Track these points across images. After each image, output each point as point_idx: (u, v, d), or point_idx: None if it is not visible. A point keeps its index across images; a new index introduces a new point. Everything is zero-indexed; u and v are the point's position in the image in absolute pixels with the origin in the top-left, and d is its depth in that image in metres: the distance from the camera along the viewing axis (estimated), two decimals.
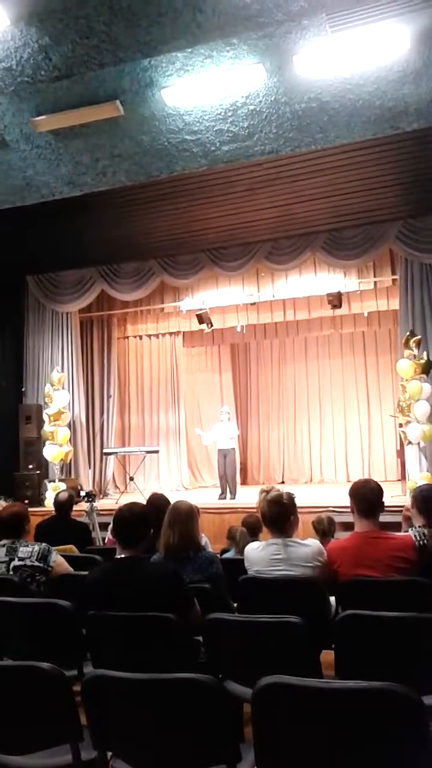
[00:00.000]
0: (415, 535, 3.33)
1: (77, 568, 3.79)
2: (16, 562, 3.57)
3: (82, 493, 7.68)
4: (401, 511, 4.66)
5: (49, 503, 9.20)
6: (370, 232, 9.19)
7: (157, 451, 11.32)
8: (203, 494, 10.69)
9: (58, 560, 3.69)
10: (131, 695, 1.99)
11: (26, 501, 9.25)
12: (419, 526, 3.47)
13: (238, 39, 5.11)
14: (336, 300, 9.78)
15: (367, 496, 3.27)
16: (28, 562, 3.56)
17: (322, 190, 8.78)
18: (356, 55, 5.31)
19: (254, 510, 5.24)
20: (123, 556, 2.93)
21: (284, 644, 2.53)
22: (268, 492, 3.74)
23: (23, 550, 3.60)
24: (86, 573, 3.22)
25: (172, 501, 3.63)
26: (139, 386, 12.59)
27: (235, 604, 3.32)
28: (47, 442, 10.04)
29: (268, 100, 5.85)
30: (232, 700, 2.55)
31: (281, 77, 5.58)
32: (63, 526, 5.40)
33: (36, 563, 3.57)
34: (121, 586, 2.81)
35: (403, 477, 9.65)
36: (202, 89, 5.68)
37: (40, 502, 9.78)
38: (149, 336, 12.42)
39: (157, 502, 4.38)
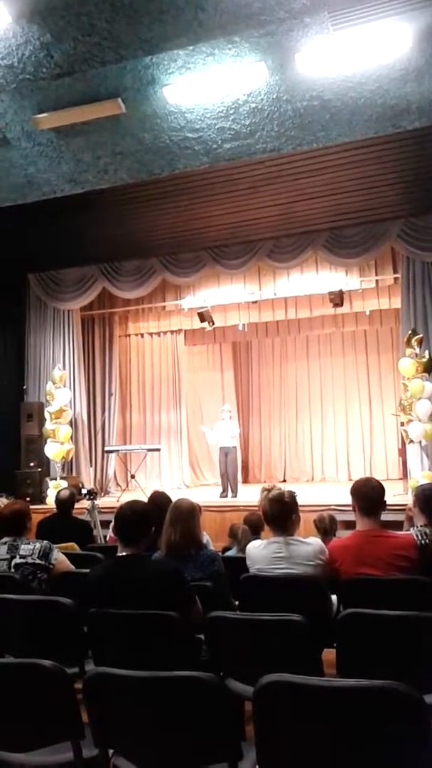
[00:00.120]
0: (416, 534, 3.33)
1: (79, 566, 3.79)
2: (17, 560, 3.57)
3: (84, 491, 7.69)
4: (403, 509, 4.67)
5: (50, 501, 9.22)
6: (371, 230, 9.18)
7: (158, 449, 11.34)
8: (205, 492, 10.68)
9: (59, 558, 3.69)
10: (133, 693, 2.00)
11: (28, 499, 9.27)
12: (421, 525, 3.47)
13: (240, 37, 5.10)
14: (337, 298, 9.77)
15: (368, 495, 3.27)
16: (29, 560, 3.57)
17: (324, 189, 8.77)
18: (358, 53, 5.30)
19: (256, 508, 5.24)
20: (124, 553, 2.93)
21: (286, 642, 2.53)
22: (269, 490, 3.73)
23: (25, 548, 3.61)
24: (88, 571, 3.23)
25: (174, 499, 3.64)
26: (140, 384, 12.59)
27: (237, 602, 3.32)
28: (49, 440, 10.05)
29: (270, 98, 5.84)
30: (233, 698, 2.55)
31: (283, 75, 5.57)
32: (64, 524, 5.41)
33: (37, 561, 3.58)
34: (122, 583, 2.81)
35: (404, 476, 9.66)
36: (204, 87, 5.67)
37: (41, 499, 9.79)
38: (151, 334, 12.41)
39: (159, 500, 4.38)
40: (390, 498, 3.65)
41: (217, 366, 13.45)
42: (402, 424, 8.92)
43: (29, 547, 3.62)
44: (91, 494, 7.55)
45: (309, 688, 1.77)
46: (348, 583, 3.08)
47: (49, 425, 10.09)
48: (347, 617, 2.58)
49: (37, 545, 3.64)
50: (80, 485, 8.89)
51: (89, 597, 2.86)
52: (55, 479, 9.90)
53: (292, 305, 10.86)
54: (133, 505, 3.07)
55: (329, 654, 2.80)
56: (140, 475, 11.06)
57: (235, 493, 9.75)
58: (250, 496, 8.97)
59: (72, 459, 10.64)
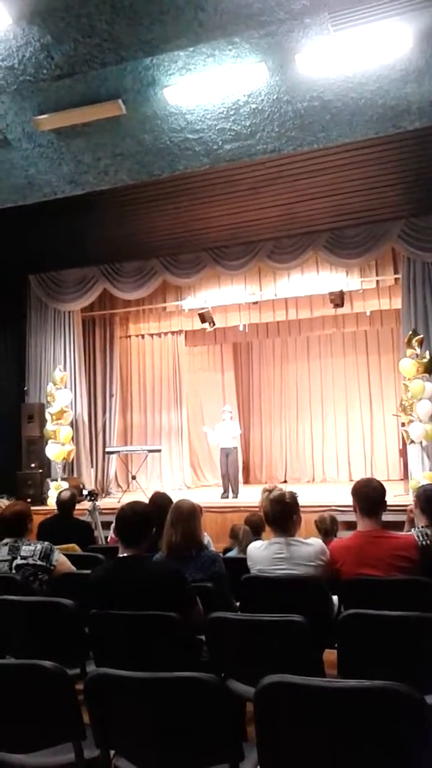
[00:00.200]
0: (417, 535, 3.34)
1: (80, 567, 3.79)
2: (18, 561, 3.57)
3: (85, 492, 7.69)
4: (404, 510, 4.67)
5: (51, 502, 9.22)
6: (372, 231, 9.18)
7: (159, 450, 11.33)
8: (206, 493, 10.69)
9: (60, 559, 3.69)
10: (134, 694, 2.00)
11: (29, 500, 9.25)
12: (422, 526, 3.47)
13: (240, 38, 5.11)
14: (338, 299, 9.77)
15: (369, 495, 3.27)
16: (30, 561, 3.57)
17: (325, 189, 8.77)
18: (358, 53, 5.30)
19: (257, 509, 5.24)
20: (125, 554, 2.93)
21: (287, 643, 2.53)
22: (270, 491, 3.73)
23: (26, 549, 3.61)
24: (89, 572, 3.23)
25: (175, 500, 3.63)
26: (141, 385, 12.59)
27: (238, 603, 3.32)
28: (50, 441, 10.05)
29: (271, 99, 5.84)
30: (234, 699, 2.55)
31: (283, 76, 5.57)
32: (65, 525, 5.41)
33: (38, 562, 3.58)
34: (123, 584, 2.81)
35: (405, 476, 9.66)
36: (205, 88, 5.68)
37: (42, 500, 9.80)
38: (151, 335, 12.42)
39: (160, 501, 4.38)
40: (391, 498, 3.65)
41: (217, 367, 13.46)
42: (403, 424, 8.92)
43: (30, 548, 3.62)
44: (92, 495, 7.55)
45: (310, 688, 1.77)
46: (349, 583, 3.08)
47: (50, 426, 10.09)
48: (348, 618, 2.58)
49: (38, 546, 3.64)
50: (81, 486, 8.89)
51: (90, 598, 2.86)
52: (56, 480, 9.90)
53: (293, 306, 10.86)
54: (134, 506, 3.07)
55: (330, 655, 2.80)
56: (141, 476, 11.06)
57: (236, 494, 9.75)
58: (251, 496, 8.97)
59: (73, 460, 10.64)
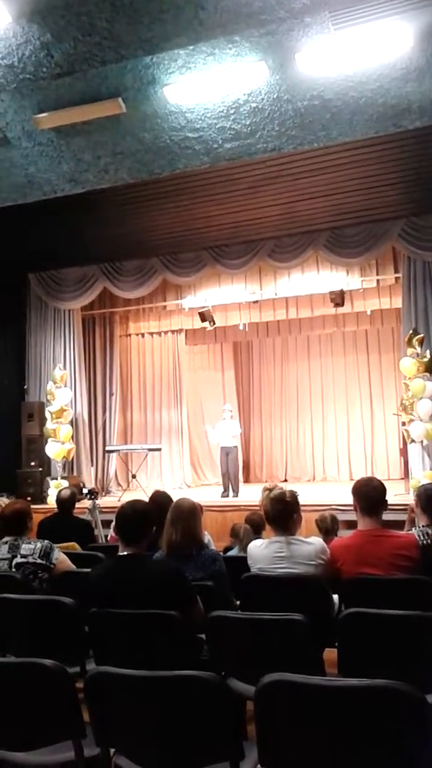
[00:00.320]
0: (418, 534, 3.34)
1: (80, 566, 3.79)
2: (18, 559, 3.57)
3: (85, 491, 7.68)
4: (404, 509, 4.67)
5: (51, 500, 9.23)
6: (372, 230, 9.18)
7: (159, 449, 11.33)
8: (206, 492, 10.69)
9: (60, 557, 3.70)
10: (134, 692, 2.00)
11: (29, 498, 9.26)
12: (423, 525, 3.48)
13: (241, 36, 5.10)
14: (338, 298, 9.76)
15: (370, 494, 3.27)
16: (30, 560, 3.57)
17: (325, 188, 8.77)
18: (359, 52, 5.29)
19: (257, 508, 5.24)
20: (125, 553, 2.93)
21: (287, 642, 2.53)
22: (271, 490, 3.73)
23: (26, 548, 3.61)
24: (89, 570, 3.23)
25: (175, 499, 3.63)
26: (141, 384, 12.59)
27: (238, 602, 3.32)
28: (49, 440, 10.05)
29: (271, 98, 5.84)
30: (235, 698, 2.54)
31: (284, 75, 5.57)
32: (65, 524, 5.41)
33: (38, 560, 3.58)
34: (123, 583, 2.81)
35: (406, 475, 9.65)
36: (205, 87, 5.67)
37: (42, 499, 9.80)
38: (151, 334, 12.42)
39: (160, 499, 4.37)
40: (391, 498, 3.65)
41: (218, 366, 13.45)
42: (403, 423, 8.92)
43: (30, 547, 3.62)
44: (92, 494, 7.55)
45: (310, 687, 1.77)
46: (349, 582, 3.08)
47: (50, 425, 10.10)
48: (349, 617, 2.58)
49: (38, 545, 3.64)
50: (81, 485, 8.88)
51: (90, 596, 2.86)
52: (56, 479, 9.90)
53: (293, 305, 10.86)
54: (134, 504, 3.07)
55: (331, 653, 2.80)
56: (141, 475, 11.06)
57: (236, 493, 9.76)
58: (251, 495, 8.97)
59: (73, 459, 10.64)
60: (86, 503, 7.52)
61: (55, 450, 9.98)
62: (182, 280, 10.49)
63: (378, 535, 3.18)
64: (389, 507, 3.36)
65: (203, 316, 10.58)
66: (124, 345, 12.39)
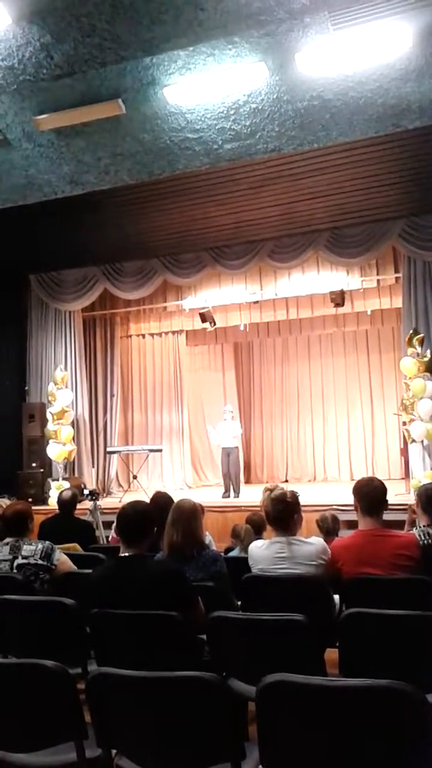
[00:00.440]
0: (419, 534, 3.33)
1: (81, 567, 3.79)
2: (19, 561, 3.57)
3: (86, 492, 7.67)
4: (405, 509, 4.66)
5: (52, 502, 9.23)
6: (372, 230, 9.18)
7: (160, 450, 11.34)
8: (207, 493, 10.68)
9: (61, 558, 3.69)
10: (135, 693, 2.00)
11: (30, 499, 9.25)
12: (424, 525, 3.47)
13: (240, 37, 5.10)
14: (339, 298, 9.76)
15: (370, 494, 3.27)
16: (31, 561, 3.57)
17: (325, 188, 8.77)
18: (358, 52, 5.29)
19: (258, 508, 5.24)
20: (126, 554, 2.93)
21: (288, 642, 2.53)
22: (271, 490, 3.73)
23: (27, 549, 3.61)
24: (90, 571, 3.23)
25: (176, 499, 3.63)
26: (142, 385, 12.60)
27: (239, 603, 3.32)
28: (51, 441, 10.06)
29: (270, 99, 5.84)
30: (236, 699, 2.55)
31: (283, 75, 5.57)
32: (66, 525, 5.41)
33: (39, 561, 3.58)
34: (124, 584, 2.81)
35: (406, 475, 9.64)
36: (204, 87, 5.67)
37: (43, 500, 9.81)
38: (152, 335, 12.42)
39: (161, 500, 4.37)
40: (392, 497, 3.66)
41: (218, 366, 13.45)
42: (404, 423, 8.92)
43: (31, 548, 3.62)
44: (93, 495, 7.54)
45: (312, 687, 1.77)
46: (350, 582, 3.08)
47: (51, 426, 10.10)
48: (350, 617, 2.58)
49: (39, 546, 3.64)
50: (82, 486, 8.88)
51: (91, 597, 2.86)
52: (57, 480, 9.91)
53: (294, 305, 10.85)
54: (135, 505, 3.06)
55: (332, 654, 2.80)
56: (142, 476, 11.06)
57: (237, 494, 9.76)
58: (252, 496, 8.97)
59: (74, 460, 10.65)
60: (87, 504, 7.51)
61: (56, 451, 9.99)
62: (182, 280, 10.49)
63: (379, 535, 3.18)
64: (390, 507, 3.36)
65: (204, 317, 10.58)
66: (124, 346, 12.39)
